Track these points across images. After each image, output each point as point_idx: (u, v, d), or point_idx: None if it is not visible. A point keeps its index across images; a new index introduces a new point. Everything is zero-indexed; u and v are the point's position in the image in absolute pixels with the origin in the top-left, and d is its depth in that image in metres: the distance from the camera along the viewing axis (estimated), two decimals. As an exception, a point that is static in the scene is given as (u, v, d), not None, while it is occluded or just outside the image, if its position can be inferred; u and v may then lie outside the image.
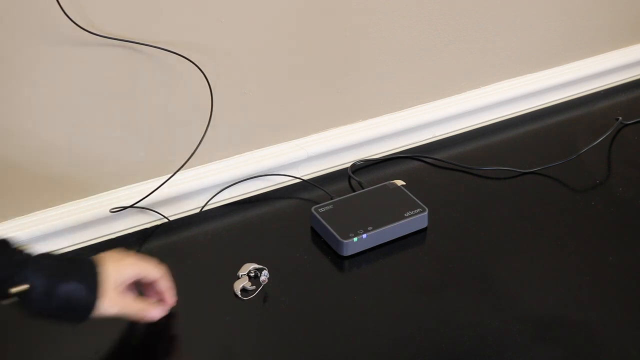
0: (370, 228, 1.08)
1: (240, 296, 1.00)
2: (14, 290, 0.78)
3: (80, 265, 0.85)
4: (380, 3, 1.20)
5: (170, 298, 0.94)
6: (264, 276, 1.02)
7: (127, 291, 0.90)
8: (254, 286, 1.01)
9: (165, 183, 1.13)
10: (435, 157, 1.31)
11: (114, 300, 0.85)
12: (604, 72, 1.54)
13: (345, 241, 1.06)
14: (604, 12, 1.48)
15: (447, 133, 1.40)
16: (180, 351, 0.94)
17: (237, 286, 1.01)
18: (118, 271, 0.87)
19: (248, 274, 1.03)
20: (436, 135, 1.39)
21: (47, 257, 0.83)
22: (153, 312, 0.91)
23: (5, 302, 0.79)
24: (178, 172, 1.14)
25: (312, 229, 1.13)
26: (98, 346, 0.94)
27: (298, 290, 1.03)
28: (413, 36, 1.27)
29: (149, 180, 1.15)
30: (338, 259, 1.08)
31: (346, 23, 1.20)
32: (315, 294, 1.03)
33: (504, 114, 1.45)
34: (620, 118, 1.40)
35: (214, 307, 1.00)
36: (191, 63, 1.07)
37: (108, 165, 1.11)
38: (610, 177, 1.27)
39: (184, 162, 1.14)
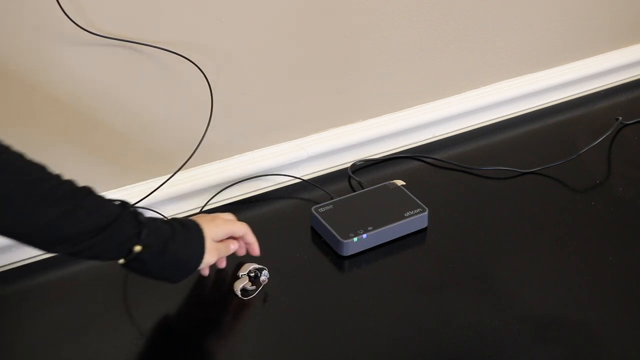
0: (370, 228, 1.08)
1: (240, 296, 1.00)
2: (136, 249, 0.84)
3: (186, 227, 0.92)
4: (380, 3, 1.20)
5: (256, 249, 1.03)
6: (264, 276, 1.02)
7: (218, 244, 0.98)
8: (254, 286, 1.01)
9: (165, 183, 1.13)
10: (435, 157, 1.31)
11: (211, 252, 0.94)
12: (604, 72, 1.54)
13: (345, 241, 1.06)
14: (604, 12, 1.48)
15: (447, 133, 1.40)
16: (180, 351, 0.94)
17: (237, 286, 1.01)
18: (213, 230, 0.95)
19: (248, 274, 1.03)
20: (436, 135, 1.39)
21: (156, 219, 0.89)
22: (232, 246, 1.00)
23: (121, 261, 0.85)
24: (178, 172, 1.14)
25: (312, 229, 1.13)
26: (98, 347, 0.94)
27: (298, 290, 1.03)
28: (413, 36, 1.27)
29: (149, 180, 1.15)
30: (338, 259, 1.08)
31: (346, 23, 1.20)
32: (315, 294, 1.03)
33: (504, 114, 1.45)
34: (620, 118, 1.40)
35: (214, 307, 1.00)
36: (191, 63, 1.07)
37: (108, 165, 1.11)
38: (610, 177, 1.27)
39: (184, 162, 1.14)
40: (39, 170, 0.78)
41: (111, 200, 0.85)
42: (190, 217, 0.96)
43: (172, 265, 0.89)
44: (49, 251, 0.82)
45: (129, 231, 0.83)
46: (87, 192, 0.81)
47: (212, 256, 0.94)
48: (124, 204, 0.85)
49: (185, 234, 0.90)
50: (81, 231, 0.79)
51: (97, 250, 0.82)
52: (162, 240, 0.87)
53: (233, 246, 1.00)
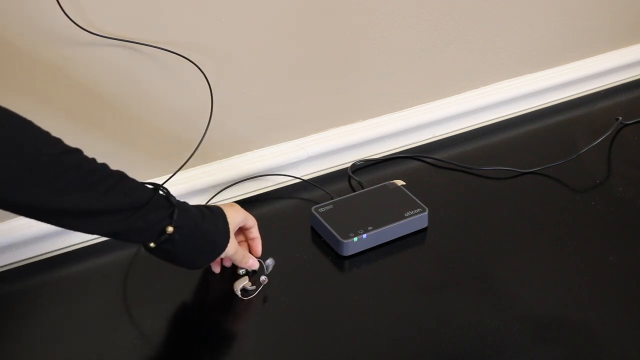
0: (370, 228, 1.08)
1: (240, 296, 1.00)
2: (169, 229, 0.86)
3: (212, 211, 0.94)
4: (380, 3, 1.20)
5: (259, 247, 1.04)
6: (264, 275, 1.02)
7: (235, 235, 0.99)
8: (254, 286, 1.02)
9: (165, 183, 1.13)
10: (435, 157, 1.31)
11: (232, 243, 0.96)
12: (604, 72, 1.54)
13: (345, 241, 1.06)
14: (604, 12, 1.48)
15: (447, 133, 1.40)
16: (180, 352, 0.94)
17: (237, 286, 1.01)
18: (233, 215, 0.97)
19: (247, 272, 1.03)
20: (436, 135, 1.39)
21: (185, 202, 0.92)
22: (251, 261, 1.01)
23: (151, 244, 0.87)
24: (178, 172, 1.14)
25: (312, 229, 1.13)
26: (98, 347, 0.94)
27: (298, 290, 1.03)
28: (413, 36, 1.27)
29: (149, 180, 1.14)
30: (338, 259, 1.08)
31: (346, 23, 1.20)
32: (315, 294, 1.03)
33: (504, 114, 1.45)
34: (620, 118, 1.40)
35: (214, 307, 1.00)
36: (191, 63, 1.07)
37: (109, 165, 1.11)
38: (610, 177, 1.27)
39: (184, 162, 1.14)
40: (76, 153, 0.79)
41: (144, 184, 0.87)
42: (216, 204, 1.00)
43: (200, 248, 0.92)
44: (83, 232, 0.83)
45: (161, 212, 0.86)
46: (121, 175, 0.84)
47: (231, 248, 0.96)
48: (156, 186, 0.88)
49: (212, 217, 0.93)
50: (115, 213, 0.81)
51: (130, 232, 0.84)
52: (193, 221, 0.89)
53: (252, 261, 1.02)
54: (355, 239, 1.07)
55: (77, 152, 0.80)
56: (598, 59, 1.54)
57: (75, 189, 0.78)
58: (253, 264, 1.02)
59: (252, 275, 1.03)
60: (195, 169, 1.19)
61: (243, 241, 1.05)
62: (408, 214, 1.11)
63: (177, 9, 1.04)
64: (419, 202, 1.14)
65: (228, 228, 0.95)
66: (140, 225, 0.84)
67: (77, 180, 0.78)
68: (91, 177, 0.79)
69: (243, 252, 1.01)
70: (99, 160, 0.84)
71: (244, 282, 1.01)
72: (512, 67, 1.44)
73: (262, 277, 1.02)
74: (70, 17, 0.95)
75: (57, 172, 0.76)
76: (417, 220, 1.12)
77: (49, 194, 0.76)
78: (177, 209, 0.88)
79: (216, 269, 1.04)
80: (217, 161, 1.21)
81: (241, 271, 1.03)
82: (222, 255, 0.96)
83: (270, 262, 1.03)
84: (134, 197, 0.84)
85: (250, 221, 1.03)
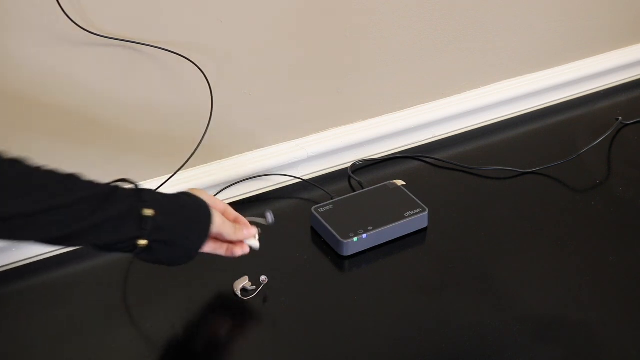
0: (370, 228, 1.08)
1: (240, 296, 1.00)
2: (148, 213, 0.80)
3: (183, 193, 0.89)
4: (380, 3, 1.20)
5: (247, 223, 0.97)
6: (264, 276, 1.02)
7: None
8: (254, 286, 1.01)
9: (166, 183, 1.13)
10: (435, 157, 1.31)
11: (215, 212, 0.89)
12: (604, 72, 1.54)
13: (345, 241, 1.06)
14: (604, 12, 1.48)
15: (447, 133, 1.40)
16: (180, 352, 0.94)
17: (237, 286, 1.01)
18: (213, 200, 0.92)
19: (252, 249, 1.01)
20: (436, 135, 1.39)
21: (146, 188, 0.85)
22: (246, 231, 0.95)
23: (140, 241, 0.81)
24: (178, 172, 1.14)
25: (312, 229, 1.13)
26: (98, 347, 0.94)
27: (298, 290, 1.03)
28: (413, 36, 1.27)
29: (149, 180, 1.15)
30: (338, 259, 1.08)
31: (346, 23, 1.20)
32: (315, 294, 1.03)
33: (504, 114, 1.45)
34: (620, 118, 1.40)
35: (214, 307, 1.00)
36: (191, 63, 1.07)
37: (107, 165, 1.11)
38: (610, 177, 1.27)
39: (184, 162, 1.14)
40: (15, 162, 0.75)
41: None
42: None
43: (187, 222, 0.85)
44: (48, 244, 0.78)
45: (130, 200, 0.80)
46: (74, 175, 0.79)
47: (218, 217, 0.89)
48: (121, 180, 0.84)
49: (180, 194, 0.88)
50: (71, 208, 0.75)
51: (102, 227, 0.78)
52: (165, 197, 0.85)
53: (247, 231, 0.94)
54: (355, 239, 1.07)
55: (16, 161, 0.75)
56: (598, 59, 1.54)
57: (11, 197, 0.72)
58: (249, 233, 0.95)
59: (253, 278, 1.03)
60: (196, 169, 1.19)
61: (218, 242, 0.95)
62: (408, 214, 1.11)
63: (177, 9, 1.04)
64: (419, 202, 1.14)
65: (201, 199, 0.88)
66: (110, 214, 0.77)
67: (11, 187, 0.73)
68: (28, 183, 0.74)
69: (231, 224, 0.93)
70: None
71: (244, 282, 1.01)
72: (512, 67, 1.44)
73: (262, 277, 1.02)
74: (70, 17, 0.95)
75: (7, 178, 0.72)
76: (417, 220, 1.12)
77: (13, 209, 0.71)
78: (144, 190, 0.82)
79: (221, 249, 0.94)
80: (217, 161, 1.21)
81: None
82: (214, 230, 0.89)
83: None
84: (90, 191, 0.78)
85: (220, 204, 0.94)
